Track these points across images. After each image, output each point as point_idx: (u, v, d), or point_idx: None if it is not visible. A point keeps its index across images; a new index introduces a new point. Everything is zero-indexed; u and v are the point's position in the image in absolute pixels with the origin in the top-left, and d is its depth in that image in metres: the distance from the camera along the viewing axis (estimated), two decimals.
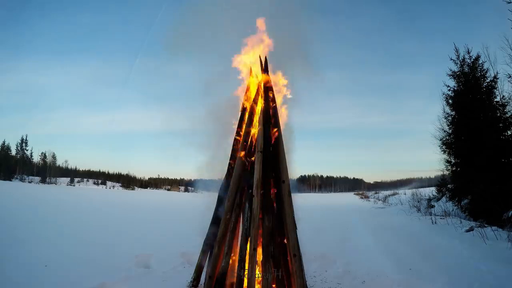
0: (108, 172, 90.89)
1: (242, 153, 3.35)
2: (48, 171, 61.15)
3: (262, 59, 3.50)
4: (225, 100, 3.75)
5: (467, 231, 6.34)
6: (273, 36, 3.65)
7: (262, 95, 3.44)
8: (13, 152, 57.46)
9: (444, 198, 11.62)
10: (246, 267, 2.92)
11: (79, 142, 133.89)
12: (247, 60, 3.68)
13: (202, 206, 3.53)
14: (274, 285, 2.95)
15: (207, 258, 3.38)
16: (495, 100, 9.11)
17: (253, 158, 3.25)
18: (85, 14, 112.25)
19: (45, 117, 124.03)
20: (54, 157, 66.01)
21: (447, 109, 10.65)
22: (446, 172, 11.37)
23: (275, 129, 3.36)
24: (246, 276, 2.90)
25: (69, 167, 78.18)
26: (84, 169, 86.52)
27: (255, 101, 3.51)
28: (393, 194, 26.84)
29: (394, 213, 12.22)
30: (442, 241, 5.86)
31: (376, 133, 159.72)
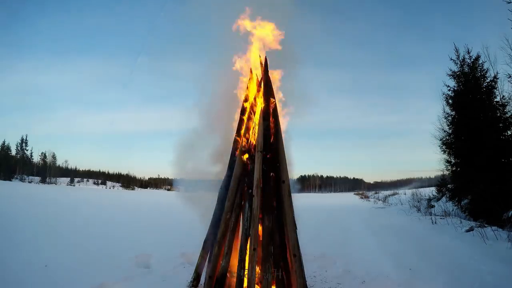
0: (108, 172, 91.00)
1: (242, 153, 3.35)
2: (48, 171, 61.13)
3: (262, 59, 3.50)
4: (225, 100, 3.75)
5: (467, 231, 6.34)
6: (273, 36, 3.65)
7: (262, 95, 3.44)
8: (13, 152, 57.46)
9: (444, 198, 11.63)
10: (246, 267, 2.92)
11: (79, 142, 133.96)
12: (248, 59, 3.68)
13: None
14: (274, 285, 2.95)
15: (207, 258, 3.38)
16: (495, 100, 9.12)
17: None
18: (85, 13, 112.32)
19: (45, 117, 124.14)
20: (54, 157, 66.04)
21: (447, 109, 10.67)
22: (446, 172, 11.38)
23: (275, 129, 3.36)
24: (246, 276, 2.90)
25: (69, 167, 78.30)
26: (84, 169, 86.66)
27: (255, 101, 3.51)
28: (393, 194, 26.81)
29: (394, 213, 12.21)
30: (442, 241, 5.86)
31: (376, 133, 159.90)
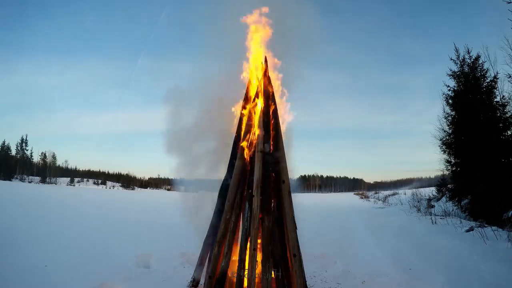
0: (108, 172, 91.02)
1: (242, 153, 3.34)
2: (48, 171, 61.17)
3: (262, 58, 3.50)
4: (226, 100, 3.75)
5: (467, 231, 6.33)
6: (273, 36, 3.65)
7: (262, 95, 3.44)
8: (13, 152, 57.50)
9: (444, 198, 11.63)
10: (246, 267, 2.92)
11: (79, 142, 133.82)
12: (248, 58, 3.68)
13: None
14: (274, 285, 2.95)
15: (207, 258, 3.38)
16: (495, 100, 9.12)
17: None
18: (86, 13, 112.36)
19: (45, 117, 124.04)
20: (54, 157, 66.15)
21: (447, 109, 10.68)
22: (446, 172, 11.39)
23: (275, 129, 3.36)
24: (246, 276, 2.90)
25: (69, 167, 78.39)
26: (84, 169, 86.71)
27: (255, 101, 3.51)
28: (393, 194, 26.83)
29: (394, 213, 12.22)
30: (442, 241, 5.86)
31: (376, 133, 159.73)
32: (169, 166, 3.68)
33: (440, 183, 12.95)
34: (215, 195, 3.47)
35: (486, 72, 9.48)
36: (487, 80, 9.45)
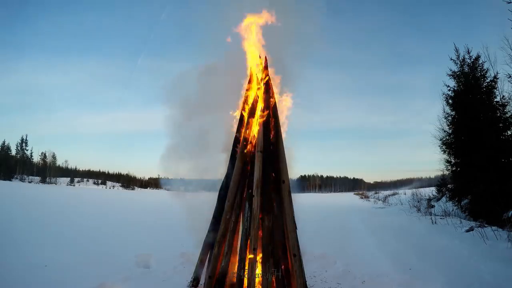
0: (108, 172, 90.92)
1: (242, 153, 3.34)
2: (48, 171, 61.20)
3: (262, 58, 3.50)
4: (225, 100, 3.75)
5: (467, 231, 6.33)
6: (273, 35, 3.65)
7: (262, 95, 3.44)
8: (13, 152, 57.57)
9: (444, 198, 11.63)
10: (246, 267, 2.92)
11: (79, 142, 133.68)
12: (247, 58, 3.68)
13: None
14: (274, 285, 2.95)
15: (207, 258, 3.38)
16: (495, 100, 9.12)
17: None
18: (86, 13, 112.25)
19: (45, 117, 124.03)
20: (54, 157, 66.21)
21: (447, 109, 10.68)
22: (446, 172, 11.40)
23: (275, 129, 3.36)
24: (246, 276, 2.90)
25: (69, 167, 78.40)
26: (84, 169, 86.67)
27: (255, 100, 3.51)
28: (393, 194, 26.82)
29: (394, 213, 12.22)
30: (442, 241, 5.86)
31: (376, 133, 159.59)
32: (168, 166, 3.68)
33: (440, 183, 12.96)
34: (215, 195, 3.47)
35: (486, 72, 9.49)
36: (487, 80, 9.45)
